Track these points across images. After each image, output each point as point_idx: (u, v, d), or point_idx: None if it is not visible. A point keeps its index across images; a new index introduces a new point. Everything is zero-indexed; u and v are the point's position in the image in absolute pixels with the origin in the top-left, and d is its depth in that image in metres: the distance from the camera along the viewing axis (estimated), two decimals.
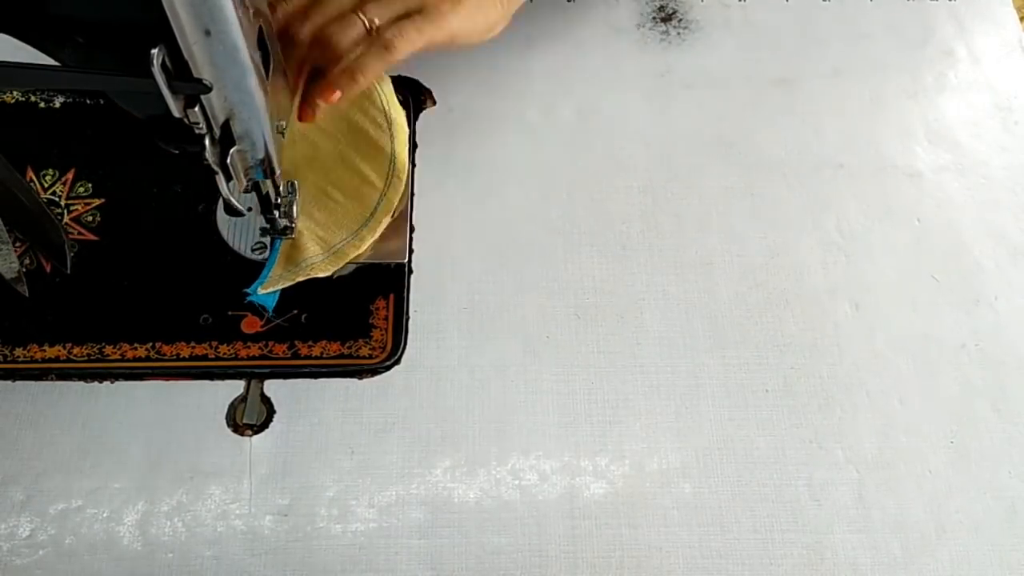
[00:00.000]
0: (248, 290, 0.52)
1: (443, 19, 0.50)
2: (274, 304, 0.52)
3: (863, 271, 0.53)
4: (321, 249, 0.53)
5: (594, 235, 0.55)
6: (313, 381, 0.50)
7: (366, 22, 0.48)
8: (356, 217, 0.54)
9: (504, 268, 0.54)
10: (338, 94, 0.48)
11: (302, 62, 0.48)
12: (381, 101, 0.55)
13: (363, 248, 0.53)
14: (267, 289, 0.52)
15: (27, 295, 0.52)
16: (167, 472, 0.48)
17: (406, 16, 0.50)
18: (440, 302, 0.52)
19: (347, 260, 0.53)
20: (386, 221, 0.54)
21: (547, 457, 0.48)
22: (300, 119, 0.49)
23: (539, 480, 0.48)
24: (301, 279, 0.52)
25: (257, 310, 0.52)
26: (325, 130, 0.56)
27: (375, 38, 0.49)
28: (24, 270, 0.52)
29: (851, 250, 0.54)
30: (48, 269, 0.53)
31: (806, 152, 0.58)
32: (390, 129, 0.55)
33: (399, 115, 0.56)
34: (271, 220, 0.51)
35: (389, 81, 0.56)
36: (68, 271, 0.52)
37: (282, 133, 0.43)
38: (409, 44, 0.49)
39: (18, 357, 0.50)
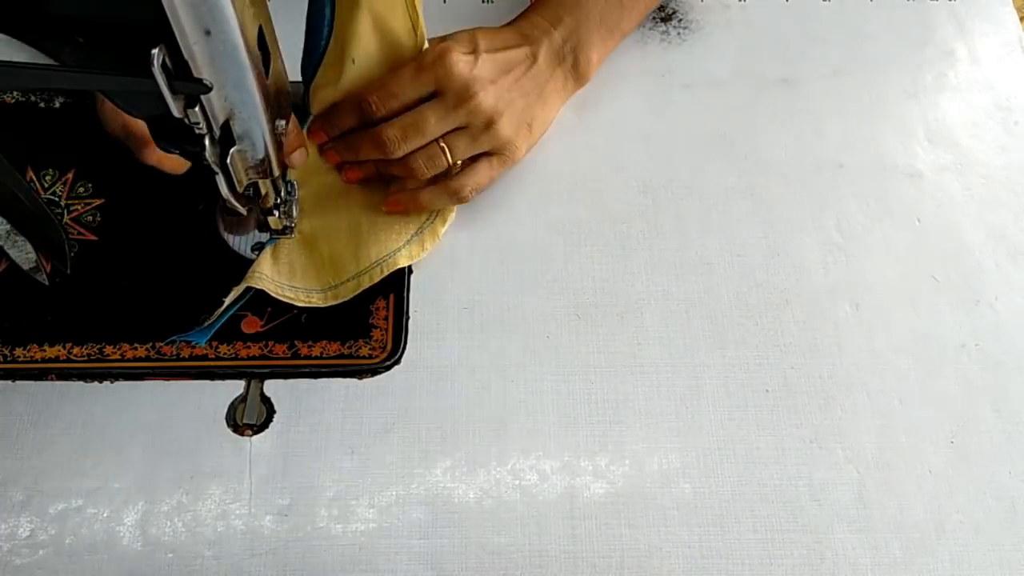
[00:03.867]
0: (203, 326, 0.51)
1: (516, 156, 0.54)
2: (206, 339, 0.50)
3: (863, 271, 0.53)
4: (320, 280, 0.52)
5: (594, 235, 0.55)
6: (313, 381, 0.50)
7: (449, 158, 0.51)
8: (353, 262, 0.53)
9: (504, 268, 0.54)
10: (402, 209, 0.53)
11: (384, 169, 0.53)
12: None
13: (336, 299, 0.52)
14: (217, 313, 0.50)
15: (47, 283, 0.52)
16: (167, 472, 0.48)
17: (484, 154, 0.53)
18: (440, 302, 0.52)
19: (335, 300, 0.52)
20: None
21: (547, 457, 0.48)
22: (346, 178, 0.54)
23: (539, 480, 0.48)
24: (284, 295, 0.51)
25: (258, 310, 0.52)
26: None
27: (450, 180, 0.52)
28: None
29: (851, 250, 0.54)
30: (48, 269, 0.53)
31: (806, 152, 0.58)
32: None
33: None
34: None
35: None
36: (68, 271, 0.52)
37: (282, 133, 0.43)
38: (478, 190, 0.53)
39: (18, 357, 0.50)
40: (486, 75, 0.51)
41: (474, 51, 0.51)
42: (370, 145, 0.51)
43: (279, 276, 0.52)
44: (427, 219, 0.54)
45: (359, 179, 0.54)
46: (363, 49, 0.53)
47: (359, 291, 0.51)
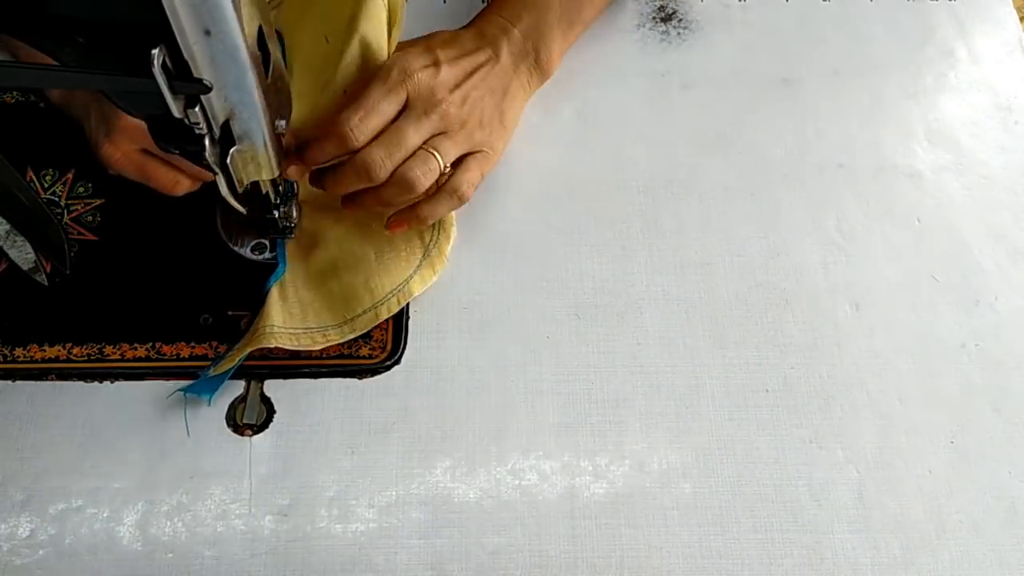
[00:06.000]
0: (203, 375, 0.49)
1: (495, 156, 0.54)
2: (215, 394, 0.48)
3: (863, 271, 0.53)
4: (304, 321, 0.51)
5: (594, 235, 0.55)
6: (313, 381, 0.50)
7: (440, 163, 0.50)
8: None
9: (504, 268, 0.54)
10: (405, 228, 0.52)
11: (379, 198, 0.50)
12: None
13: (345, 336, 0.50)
14: (226, 366, 0.48)
15: (46, 284, 0.52)
16: (167, 472, 0.48)
17: (468, 155, 0.52)
18: (440, 302, 0.52)
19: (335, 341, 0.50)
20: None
21: (547, 457, 0.48)
22: (345, 207, 0.52)
23: (539, 480, 0.48)
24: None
25: (258, 310, 0.52)
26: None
27: (446, 185, 0.51)
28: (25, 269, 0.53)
29: (851, 250, 0.54)
30: (48, 269, 0.53)
31: (806, 152, 0.58)
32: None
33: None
34: (271, 220, 0.51)
35: None
36: (68, 271, 0.52)
37: (282, 133, 0.43)
38: (474, 187, 0.52)
39: (18, 357, 0.50)
40: (451, 81, 0.52)
41: (435, 63, 0.52)
42: (355, 174, 0.49)
43: (291, 320, 0.50)
44: (431, 240, 0.53)
45: (356, 211, 0.52)
46: (348, 76, 0.52)
47: (377, 323, 0.50)
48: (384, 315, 0.50)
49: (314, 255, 0.53)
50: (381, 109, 0.49)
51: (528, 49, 0.56)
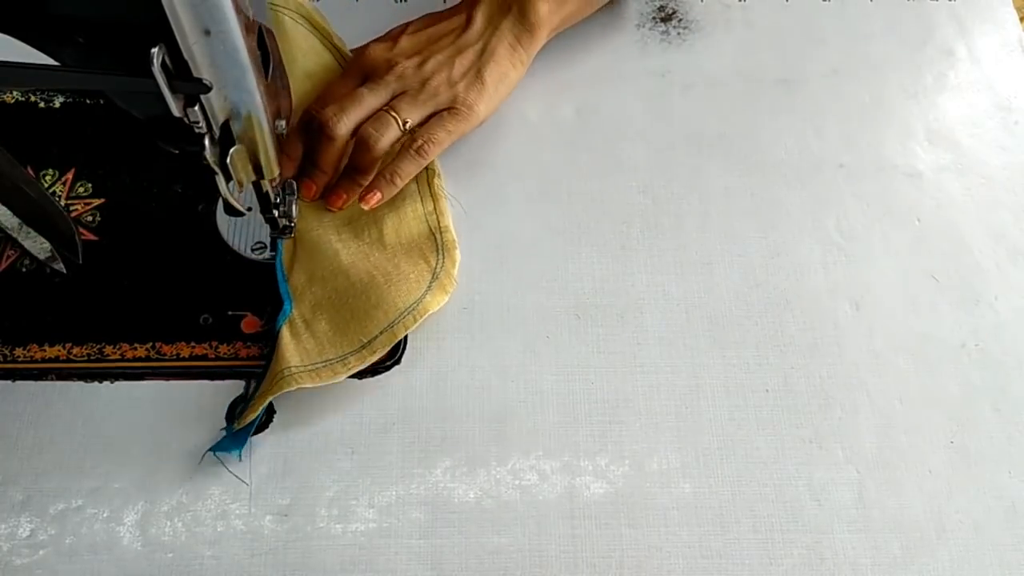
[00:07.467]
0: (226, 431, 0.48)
1: (471, 113, 0.54)
2: (243, 448, 0.47)
3: (863, 271, 0.53)
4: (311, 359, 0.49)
5: (594, 235, 0.55)
6: None
7: (399, 122, 0.52)
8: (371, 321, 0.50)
9: (504, 268, 0.54)
10: (379, 196, 0.53)
11: (339, 157, 0.53)
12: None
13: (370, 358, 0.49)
14: (249, 418, 0.47)
15: (65, 271, 0.52)
16: (167, 472, 0.48)
17: (436, 113, 0.54)
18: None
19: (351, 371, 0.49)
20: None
21: (547, 457, 0.48)
22: (332, 207, 0.54)
23: (539, 480, 0.48)
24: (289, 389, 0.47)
25: (258, 309, 0.52)
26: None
27: (408, 143, 0.53)
28: (24, 269, 0.53)
29: (851, 250, 0.54)
30: (48, 270, 0.53)
31: (806, 152, 0.58)
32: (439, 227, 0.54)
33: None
34: (271, 220, 0.51)
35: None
36: (80, 261, 0.52)
37: (282, 134, 0.43)
38: (440, 146, 0.53)
39: (18, 357, 0.50)
40: (409, 48, 0.55)
41: (393, 38, 0.55)
42: (320, 142, 0.52)
43: (308, 357, 0.49)
44: (438, 264, 0.52)
45: (344, 202, 0.54)
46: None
47: (395, 342, 0.49)
48: (401, 333, 0.49)
49: (320, 287, 0.51)
50: (339, 88, 0.54)
51: (508, 4, 0.56)
